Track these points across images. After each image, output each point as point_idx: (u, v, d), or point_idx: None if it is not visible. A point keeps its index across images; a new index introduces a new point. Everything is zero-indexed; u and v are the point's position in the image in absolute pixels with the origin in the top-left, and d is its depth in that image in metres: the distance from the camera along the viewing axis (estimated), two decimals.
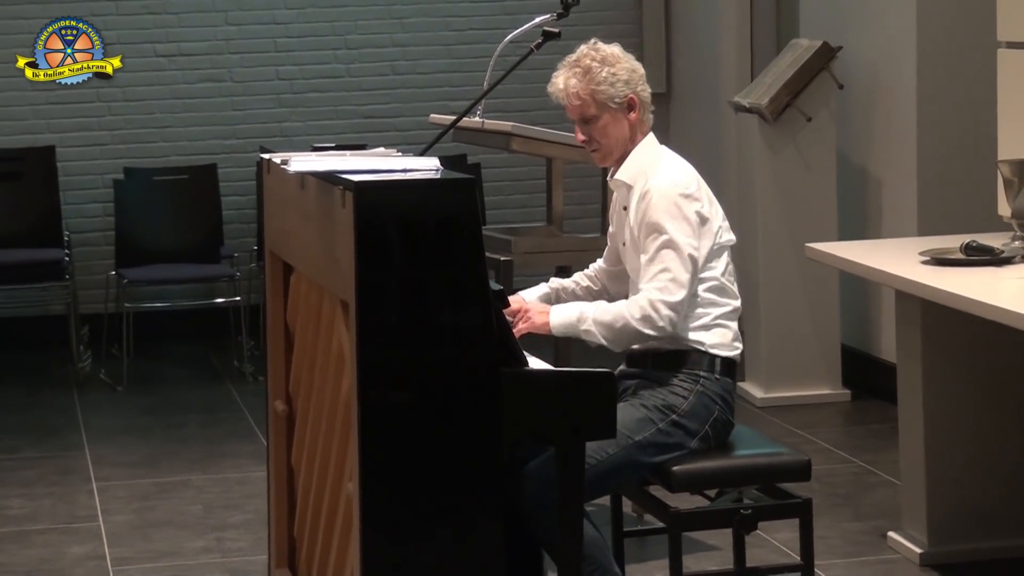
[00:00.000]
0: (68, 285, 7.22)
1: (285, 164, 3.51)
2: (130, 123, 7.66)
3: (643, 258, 3.53)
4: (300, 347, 3.72)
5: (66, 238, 7.38)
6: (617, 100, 3.59)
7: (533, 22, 4.63)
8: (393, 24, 7.85)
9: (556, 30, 4.47)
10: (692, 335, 3.56)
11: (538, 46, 4.45)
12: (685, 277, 3.49)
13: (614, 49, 3.64)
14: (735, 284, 3.65)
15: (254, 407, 6.34)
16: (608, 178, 3.72)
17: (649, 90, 3.68)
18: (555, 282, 3.84)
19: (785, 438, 5.57)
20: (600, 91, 3.59)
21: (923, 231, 5.80)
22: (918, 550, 4.47)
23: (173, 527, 4.97)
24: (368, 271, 3.01)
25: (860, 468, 5.40)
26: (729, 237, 3.63)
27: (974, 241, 4.28)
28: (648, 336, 3.50)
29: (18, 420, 6.36)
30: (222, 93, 7.73)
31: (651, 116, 3.68)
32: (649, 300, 3.48)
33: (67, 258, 7.23)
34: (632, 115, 3.61)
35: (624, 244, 3.67)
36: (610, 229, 3.79)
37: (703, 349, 3.57)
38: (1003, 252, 4.24)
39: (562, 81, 3.62)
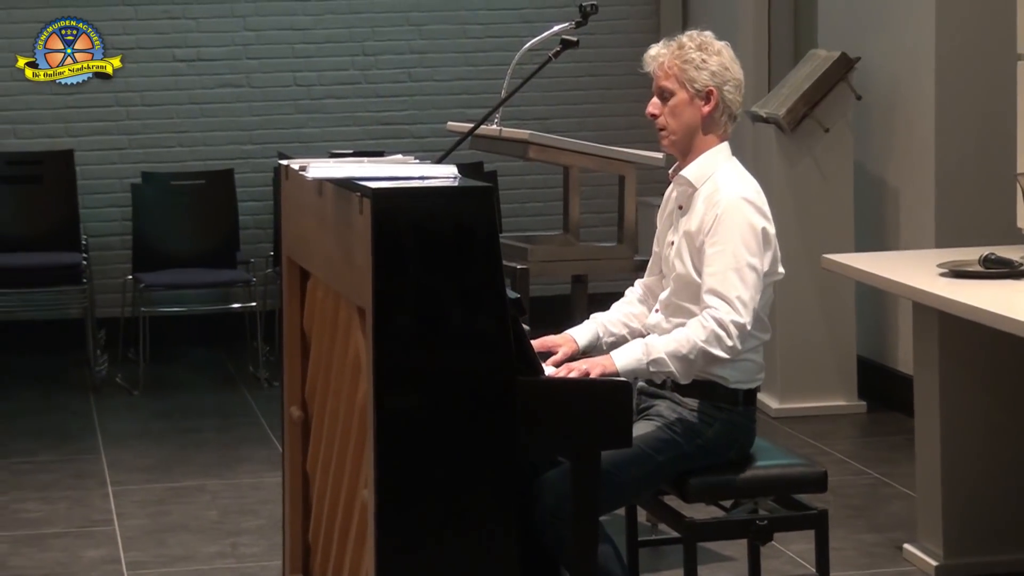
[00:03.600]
0: (85, 289, 7.24)
1: (303, 170, 3.52)
2: (148, 128, 7.69)
3: (707, 272, 3.43)
4: (316, 353, 3.73)
5: (84, 242, 7.40)
6: (696, 85, 3.50)
7: (551, 30, 4.64)
8: (411, 31, 7.86)
9: (574, 38, 4.47)
10: (717, 370, 3.49)
11: (556, 54, 4.45)
12: (751, 298, 3.40)
13: (720, 45, 3.55)
14: (767, 317, 3.57)
15: (269, 412, 6.35)
16: (671, 172, 3.63)
17: (738, 98, 3.56)
18: (598, 316, 3.74)
19: (800, 449, 5.56)
20: (684, 69, 3.51)
21: (941, 243, 5.79)
22: (933, 562, 4.45)
23: (188, 532, 4.98)
24: (385, 278, 3.01)
25: (876, 480, 5.39)
26: (781, 271, 3.55)
27: (992, 253, 4.27)
28: (717, 358, 3.40)
29: (35, 424, 6.37)
30: (240, 98, 7.75)
31: (731, 126, 3.57)
32: (717, 320, 3.38)
33: (84, 262, 7.25)
34: (706, 107, 3.52)
35: (673, 243, 3.58)
36: (657, 233, 3.70)
37: (726, 385, 3.51)
38: (1021, 265, 4.23)
39: (655, 50, 3.57)
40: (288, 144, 7.67)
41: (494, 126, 4.71)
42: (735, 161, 3.60)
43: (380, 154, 3.80)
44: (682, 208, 3.58)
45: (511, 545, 3.06)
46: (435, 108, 7.79)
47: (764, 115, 6.23)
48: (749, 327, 3.42)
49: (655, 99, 3.57)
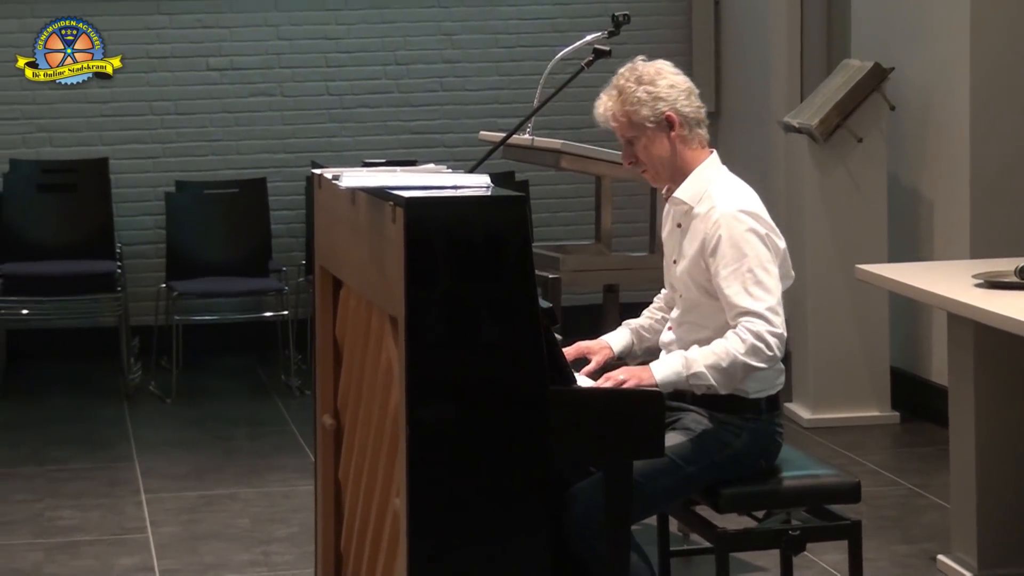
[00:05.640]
0: (119, 297, 7.27)
1: (337, 179, 3.53)
2: (182, 136, 7.73)
3: (729, 292, 3.42)
4: (348, 362, 3.73)
5: (118, 250, 7.44)
6: (652, 120, 3.50)
7: (583, 40, 4.63)
8: (443, 40, 7.88)
9: (606, 48, 4.46)
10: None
11: (588, 64, 4.45)
12: (777, 302, 3.41)
13: (657, 66, 3.55)
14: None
15: (301, 421, 6.37)
16: (664, 195, 3.64)
17: (696, 104, 3.54)
18: (631, 323, 3.76)
19: (833, 459, 5.53)
20: (633, 111, 3.50)
21: (976, 253, 5.76)
22: (968, 574, 4.43)
23: (220, 540, 4.99)
24: (417, 287, 3.02)
25: (909, 491, 5.36)
26: (791, 275, 3.55)
27: None
28: (757, 369, 3.40)
29: (68, 431, 6.41)
30: (273, 108, 7.78)
31: (703, 131, 3.56)
32: (755, 333, 3.37)
33: (119, 270, 7.29)
34: (672, 133, 3.52)
35: (675, 262, 3.60)
36: (665, 250, 3.71)
37: (747, 396, 3.50)
38: None
39: (601, 106, 3.57)
40: (321, 153, 7.69)
41: (526, 135, 4.71)
42: (725, 171, 3.59)
43: (412, 163, 3.81)
44: (681, 227, 3.58)
45: (543, 555, 3.06)
46: (467, 117, 7.80)
47: (797, 125, 6.21)
48: (785, 333, 3.42)
49: (624, 148, 3.57)
